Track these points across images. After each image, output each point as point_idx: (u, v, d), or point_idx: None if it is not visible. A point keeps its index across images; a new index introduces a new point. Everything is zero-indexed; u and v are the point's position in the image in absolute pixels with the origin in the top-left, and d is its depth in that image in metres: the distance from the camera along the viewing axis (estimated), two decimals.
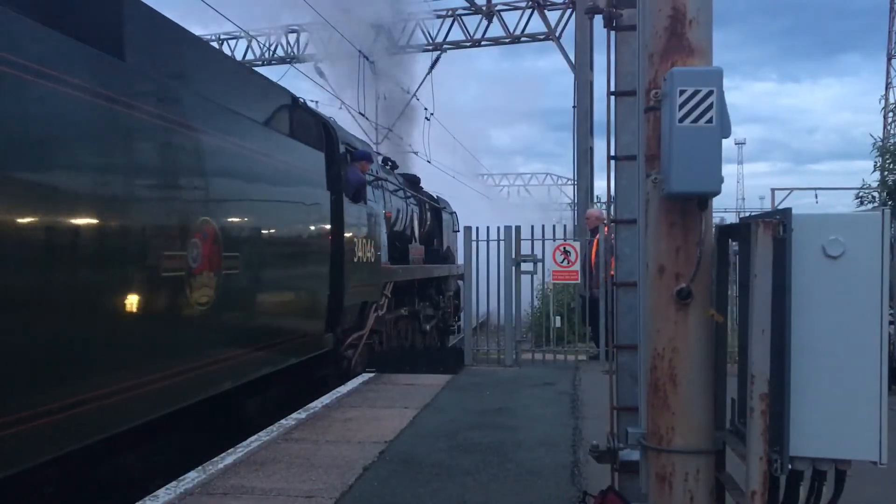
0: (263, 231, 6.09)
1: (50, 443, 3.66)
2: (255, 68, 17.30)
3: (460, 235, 10.99)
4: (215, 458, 5.07)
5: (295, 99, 7.55)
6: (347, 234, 7.85)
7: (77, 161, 3.91)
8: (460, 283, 10.06)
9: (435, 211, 14.21)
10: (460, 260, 9.60)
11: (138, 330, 4.38)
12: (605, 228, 9.60)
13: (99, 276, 4.03)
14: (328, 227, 7.47)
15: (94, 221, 3.98)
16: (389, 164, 11.71)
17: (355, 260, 8.11)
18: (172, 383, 4.69)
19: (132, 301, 4.31)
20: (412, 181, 13.17)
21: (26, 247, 3.47)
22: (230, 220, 5.48)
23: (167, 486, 4.49)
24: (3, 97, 3.35)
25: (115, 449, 4.55)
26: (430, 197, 14.17)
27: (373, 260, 8.85)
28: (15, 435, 3.37)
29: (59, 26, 3.75)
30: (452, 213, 16.10)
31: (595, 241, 9.77)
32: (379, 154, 11.24)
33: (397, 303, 10.39)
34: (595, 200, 16.39)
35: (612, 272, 8.28)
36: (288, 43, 20.93)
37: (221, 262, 5.25)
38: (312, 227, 7.13)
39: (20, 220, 3.46)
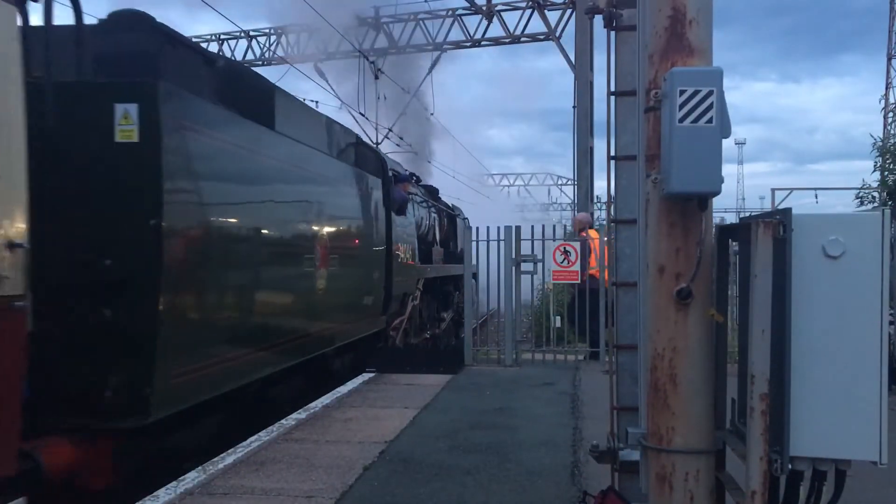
0: (349, 239, 8.33)
1: (264, 365, 6.05)
2: (255, 69, 17.40)
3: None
4: (215, 458, 5.08)
5: (358, 137, 9.89)
6: (394, 240, 9.98)
7: (267, 195, 6.18)
8: (472, 280, 10.86)
9: (451, 217, 15.74)
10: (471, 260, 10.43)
11: (299, 306, 6.85)
12: (583, 233, 9.70)
13: (278, 270, 6.35)
14: (384, 235, 9.63)
15: (276, 235, 6.34)
16: (414, 177, 12.95)
17: (399, 260, 10.27)
18: (308, 340, 7.02)
19: (295, 287, 6.71)
20: (432, 192, 14.60)
21: (253, 251, 5.81)
22: (332, 231, 7.60)
23: (167, 486, 4.49)
24: (231, 161, 5.48)
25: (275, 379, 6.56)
26: (447, 205, 15.90)
27: (410, 260, 11.14)
28: (236, 363, 5.52)
29: (243, 112, 5.77)
30: (465, 219, 17.02)
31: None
32: (406, 171, 12.47)
33: (423, 296, 12.33)
34: (595, 200, 16.42)
35: (590, 273, 8.74)
36: (288, 43, 20.92)
37: (328, 262, 7.35)
38: (376, 236, 9.33)
39: (251, 235, 5.81)
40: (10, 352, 3.45)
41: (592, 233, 10.09)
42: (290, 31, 20.41)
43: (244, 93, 6.12)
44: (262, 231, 6.04)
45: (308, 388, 7.63)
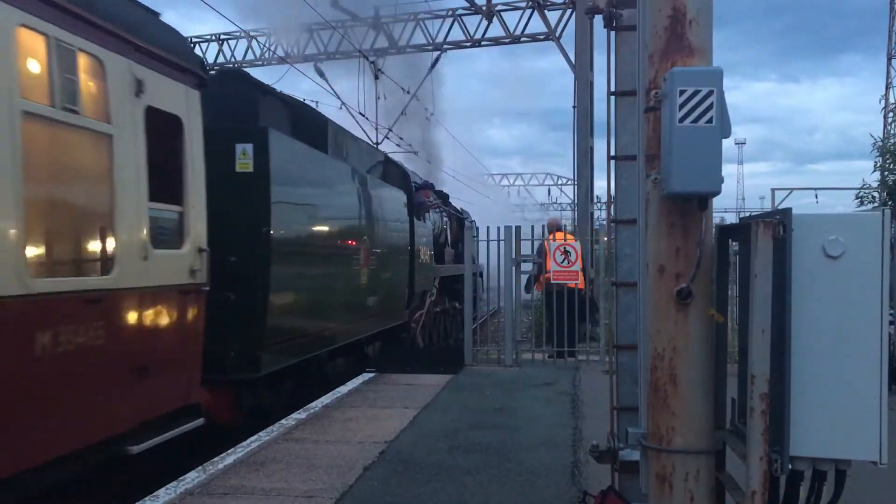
0: (383, 243, 9.78)
1: (321, 342, 7.77)
2: (255, 69, 17.50)
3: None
4: (215, 458, 5.08)
5: (386, 156, 11.99)
6: (416, 243, 11.52)
7: (328, 206, 7.92)
8: (478, 279, 11.97)
9: (460, 221, 16.66)
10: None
11: (351, 298, 8.58)
12: (552, 236, 9.69)
13: (337, 268, 8.16)
14: (408, 239, 11.24)
15: (337, 240, 8.14)
16: (430, 185, 14.00)
17: (420, 261, 11.80)
18: (354, 327, 8.72)
19: (349, 282, 8.48)
20: (443, 197, 15.67)
21: (316, 252, 7.51)
22: (371, 236, 9.18)
23: (167, 486, 4.49)
24: (306, 181, 7.23)
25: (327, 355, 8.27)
26: (457, 210, 17.08)
27: (428, 261, 12.70)
28: (311, 338, 7.43)
29: (307, 141, 7.35)
30: (472, 222, 17.46)
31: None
32: (422, 179, 13.45)
33: (438, 292, 13.85)
34: (595, 200, 16.44)
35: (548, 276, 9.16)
36: (288, 43, 20.89)
37: (368, 262, 9.00)
38: (402, 240, 10.99)
39: (315, 239, 7.50)
40: (198, 320, 5.18)
41: (559, 235, 10.00)
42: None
43: (307, 125, 7.83)
44: (328, 236, 7.82)
45: (350, 366, 9.12)
